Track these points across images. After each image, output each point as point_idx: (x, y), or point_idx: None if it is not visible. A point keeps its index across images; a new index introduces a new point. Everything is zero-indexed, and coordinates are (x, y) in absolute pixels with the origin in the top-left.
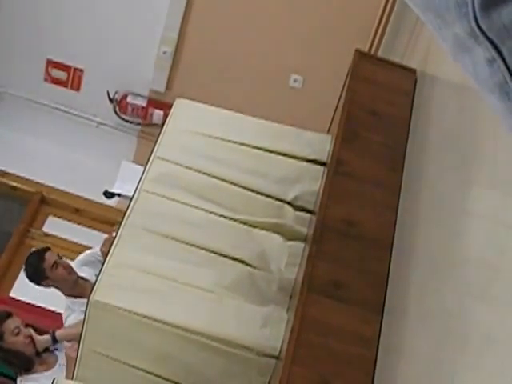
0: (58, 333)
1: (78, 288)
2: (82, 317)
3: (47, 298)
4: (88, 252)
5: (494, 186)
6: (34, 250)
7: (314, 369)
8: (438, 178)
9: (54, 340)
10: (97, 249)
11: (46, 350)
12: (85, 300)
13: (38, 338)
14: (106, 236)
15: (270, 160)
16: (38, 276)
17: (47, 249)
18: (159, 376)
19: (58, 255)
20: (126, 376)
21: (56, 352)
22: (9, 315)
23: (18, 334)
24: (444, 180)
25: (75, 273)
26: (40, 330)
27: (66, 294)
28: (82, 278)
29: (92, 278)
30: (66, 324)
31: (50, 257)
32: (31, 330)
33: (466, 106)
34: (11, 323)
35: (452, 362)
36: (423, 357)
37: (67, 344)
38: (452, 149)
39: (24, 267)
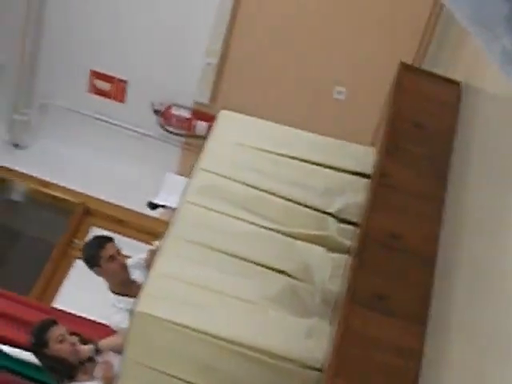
0: (102, 343)
1: (126, 287)
2: (127, 316)
3: (90, 308)
4: (138, 256)
5: None
6: (99, 235)
7: (357, 381)
8: (483, 190)
9: (98, 350)
10: (143, 255)
11: (89, 359)
12: (131, 299)
13: (81, 347)
14: (150, 247)
15: (313, 172)
16: (92, 261)
17: (110, 239)
18: None
19: (118, 251)
20: None
21: (99, 361)
22: (54, 323)
23: (62, 341)
24: (489, 192)
25: (128, 272)
26: (85, 338)
27: (113, 291)
28: (131, 280)
29: (140, 280)
30: (111, 322)
31: (109, 248)
32: (76, 339)
33: (511, 118)
34: (56, 331)
35: (496, 374)
36: (467, 369)
37: (102, 360)
38: (497, 161)
39: (83, 247)
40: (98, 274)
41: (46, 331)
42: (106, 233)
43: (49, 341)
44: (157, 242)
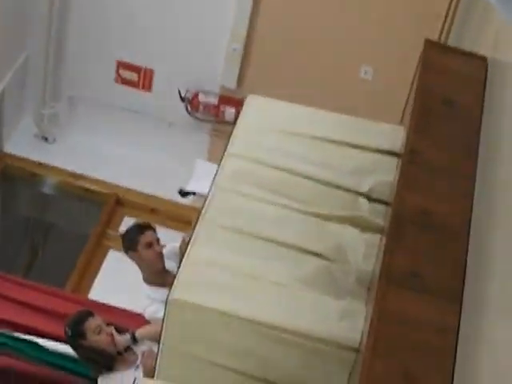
0: (138, 332)
1: (160, 277)
2: (162, 307)
3: (126, 299)
4: (171, 245)
5: None
6: (141, 221)
7: (395, 360)
8: None
9: (135, 339)
10: (176, 244)
11: (127, 349)
12: (165, 290)
13: (118, 337)
14: (184, 234)
15: (343, 152)
16: (129, 244)
17: (151, 227)
18: (240, 372)
19: (158, 240)
20: (208, 373)
21: (135, 350)
22: (90, 314)
23: (99, 332)
24: None
25: (163, 262)
26: (121, 328)
27: (145, 281)
28: (166, 270)
29: (174, 271)
30: (146, 314)
31: (149, 235)
32: (113, 329)
33: None
34: (93, 322)
35: None
36: (504, 346)
37: (144, 348)
38: None
39: (124, 232)
40: (133, 259)
41: (82, 323)
42: None
43: (86, 332)
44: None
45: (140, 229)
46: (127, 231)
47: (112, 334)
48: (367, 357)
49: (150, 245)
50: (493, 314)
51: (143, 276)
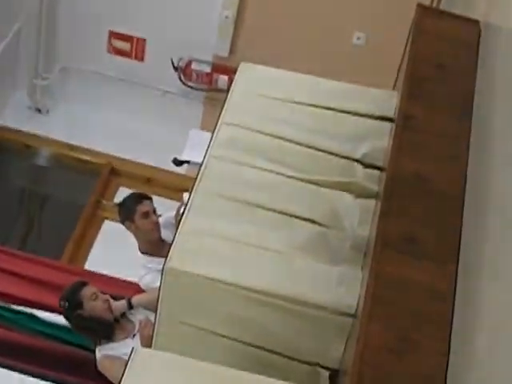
0: (134, 299)
1: (156, 246)
2: (158, 277)
3: (121, 268)
4: (167, 215)
5: None
6: (139, 192)
7: (392, 325)
8: (507, 126)
9: (130, 305)
10: (172, 213)
11: (123, 316)
12: (161, 259)
13: (114, 303)
14: (179, 204)
15: (336, 119)
16: (126, 213)
17: (148, 197)
18: (237, 340)
19: (155, 209)
20: (205, 342)
21: (133, 318)
22: (84, 284)
23: (95, 299)
24: None
25: (159, 232)
26: (117, 296)
27: (141, 251)
28: (162, 239)
29: (170, 240)
30: (142, 283)
31: (146, 204)
32: (108, 296)
33: None
34: (88, 290)
35: None
36: (501, 309)
37: (140, 317)
38: None
39: (121, 201)
40: (130, 229)
41: (78, 292)
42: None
43: (83, 300)
44: (185, 194)
45: (137, 199)
46: (124, 201)
47: (108, 300)
48: (364, 322)
49: (146, 215)
50: (489, 278)
51: (139, 246)
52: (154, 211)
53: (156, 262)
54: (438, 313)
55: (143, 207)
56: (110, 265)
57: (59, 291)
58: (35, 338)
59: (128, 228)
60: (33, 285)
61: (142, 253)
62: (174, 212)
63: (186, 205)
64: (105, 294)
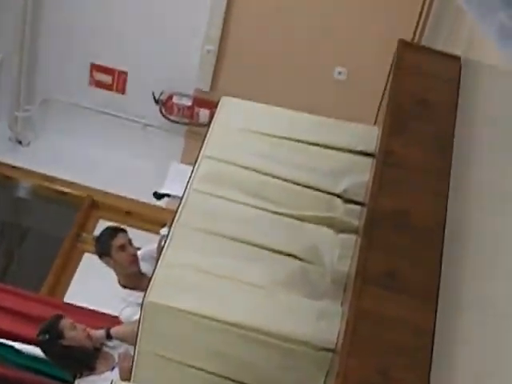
0: (113, 330)
1: (135, 280)
2: (138, 310)
3: (101, 302)
4: (146, 248)
5: None
6: (112, 226)
7: (371, 360)
8: (488, 163)
9: (109, 336)
10: (154, 245)
11: (102, 346)
12: (141, 293)
13: (93, 331)
14: (160, 236)
15: (317, 153)
16: (102, 249)
17: (122, 230)
18: (216, 374)
19: (130, 241)
20: (184, 375)
21: (112, 351)
22: (61, 316)
23: (74, 328)
24: (494, 165)
25: (138, 265)
26: (93, 327)
27: (121, 284)
28: (141, 272)
29: (150, 273)
30: (121, 316)
31: (121, 237)
32: (85, 326)
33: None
34: (66, 321)
35: (510, 347)
36: (480, 344)
37: (120, 351)
38: (500, 134)
39: (96, 237)
40: (108, 264)
41: (57, 323)
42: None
43: (63, 330)
44: (164, 229)
45: (111, 232)
46: (99, 237)
47: (86, 329)
48: (343, 357)
49: (123, 247)
50: (468, 314)
51: (119, 279)
52: (130, 243)
53: (136, 296)
54: (418, 348)
55: (118, 240)
56: (90, 298)
57: (38, 323)
58: (14, 369)
59: (107, 263)
60: (12, 317)
61: (122, 286)
62: (155, 245)
63: (166, 238)
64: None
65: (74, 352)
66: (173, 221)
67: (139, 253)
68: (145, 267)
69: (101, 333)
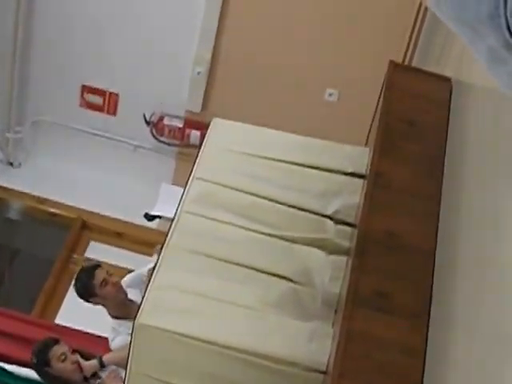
0: (106, 357)
1: (124, 309)
2: (128, 339)
3: (93, 323)
4: (133, 273)
5: None
6: (84, 266)
7: (362, 381)
8: (478, 184)
9: (102, 364)
10: (144, 269)
11: (94, 375)
12: (131, 322)
13: (84, 363)
14: (152, 257)
15: (308, 175)
16: (86, 293)
17: (97, 266)
18: None
19: (108, 272)
20: None
21: (102, 375)
22: (56, 342)
23: (64, 360)
24: (484, 187)
25: (124, 292)
26: (87, 355)
27: (111, 315)
28: (129, 299)
29: (138, 300)
30: (112, 346)
31: (99, 274)
32: (78, 357)
33: (503, 113)
34: (58, 350)
35: (501, 370)
36: (471, 365)
37: (106, 372)
38: (490, 156)
39: (74, 283)
40: (96, 303)
41: (47, 350)
42: (104, 246)
43: (51, 360)
44: (158, 246)
45: (88, 274)
46: (78, 282)
47: (77, 362)
48: (334, 378)
49: (105, 281)
50: (458, 335)
51: (109, 312)
52: (110, 273)
53: (125, 326)
54: (409, 368)
55: (98, 277)
56: (81, 319)
57: (29, 345)
58: None
59: (95, 303)
60: (3, 338)
61: (112, 317)
62: (141, 269)
63: (157, 260)
64: (75, 351)
65: (59, 382)
66: (164, 242)
67: (124, 280)
68: (132, 294)
69: (93, 363)
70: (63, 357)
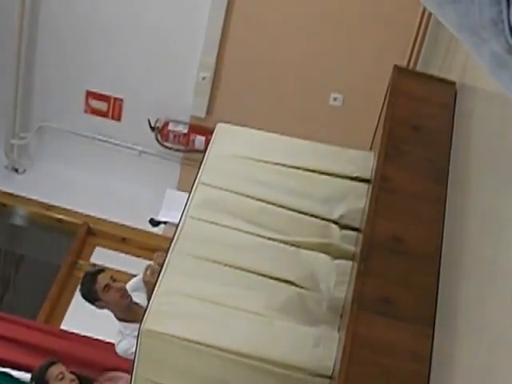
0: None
1: (130, 312)
2: (134, 342)
3: (98, 329)
4: (137, 277)
5: None
6: (89, 270)
7: None
8: (483, 188)
9: None
10: (141, 275)
11: None
12: (137, 325)
13: None
14: (147, 264)
15: (313, 180)
16: (90, 297)
17: (101, 271)
18: None
19: (112, 277)
20: None
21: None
22: (52, 363)
23: (62, 379)
24: (489, 190)
25: (129, 296)
26: (84, 377)
27: (118, 318)
28: (135, 303)
29: (145, 303)
30: (118, 349)
31: (102, 279)
32: (75, 378)
33: (507, 117)
34: (54, 370)
35: (506, 374)
36: (476, 370)
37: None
38: (495, 160)
39: (79, 287)
40: (101, 307)
41: (45, 371)
42: (109, 252)
43: (49, 380)
44: (158, 252)
45: (91, 278)
46: (82, 286)
47: (74, 380)
48: (340, 383)
49: (108, 286)
50: (464, 340)
51: (115, 315)
52: (113, 279)
53: (132, 329)
54: (415, 373)
55: (101, 282)
56: (87, 324)
57: (35, 351)
58: None
59: (100, 307)
60: (9, 345)
61: (119, 320)
62: (142, 274)
63: (163, 265)
64: (72, 373)
65: None
66: (169, 248)
67: (129, 284)
68: (138, 297)
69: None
70: (61, 376)
